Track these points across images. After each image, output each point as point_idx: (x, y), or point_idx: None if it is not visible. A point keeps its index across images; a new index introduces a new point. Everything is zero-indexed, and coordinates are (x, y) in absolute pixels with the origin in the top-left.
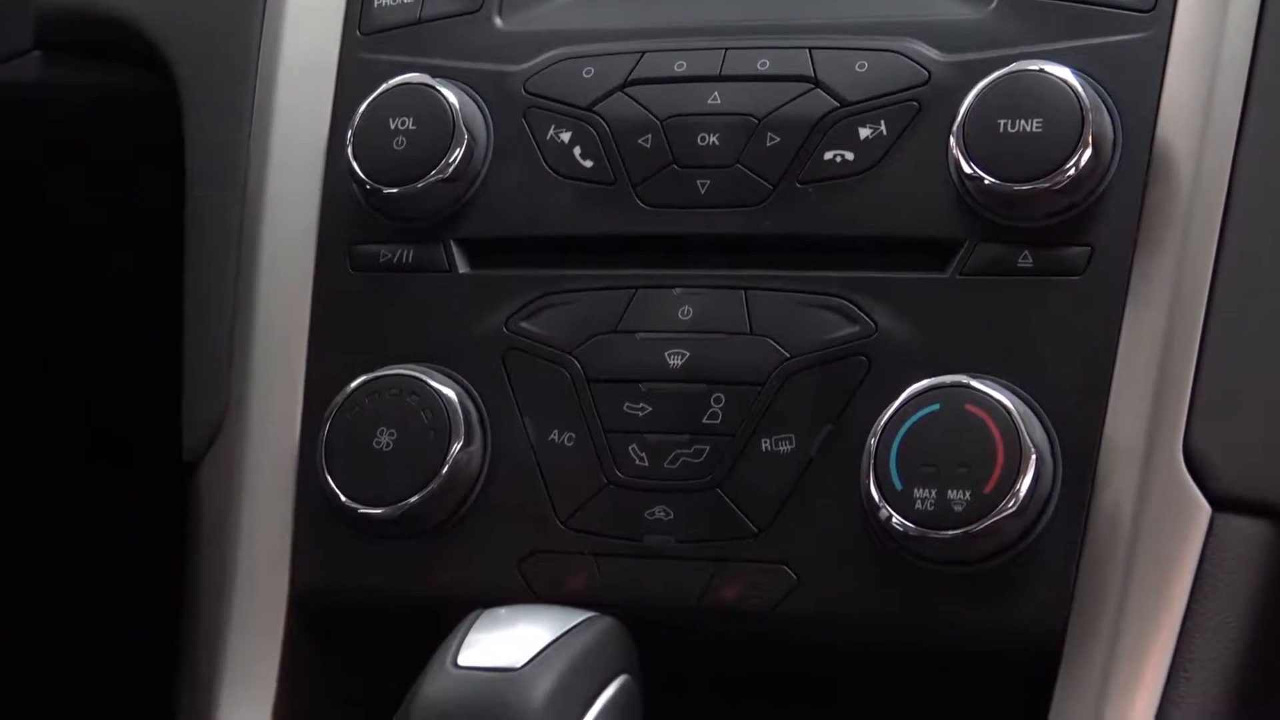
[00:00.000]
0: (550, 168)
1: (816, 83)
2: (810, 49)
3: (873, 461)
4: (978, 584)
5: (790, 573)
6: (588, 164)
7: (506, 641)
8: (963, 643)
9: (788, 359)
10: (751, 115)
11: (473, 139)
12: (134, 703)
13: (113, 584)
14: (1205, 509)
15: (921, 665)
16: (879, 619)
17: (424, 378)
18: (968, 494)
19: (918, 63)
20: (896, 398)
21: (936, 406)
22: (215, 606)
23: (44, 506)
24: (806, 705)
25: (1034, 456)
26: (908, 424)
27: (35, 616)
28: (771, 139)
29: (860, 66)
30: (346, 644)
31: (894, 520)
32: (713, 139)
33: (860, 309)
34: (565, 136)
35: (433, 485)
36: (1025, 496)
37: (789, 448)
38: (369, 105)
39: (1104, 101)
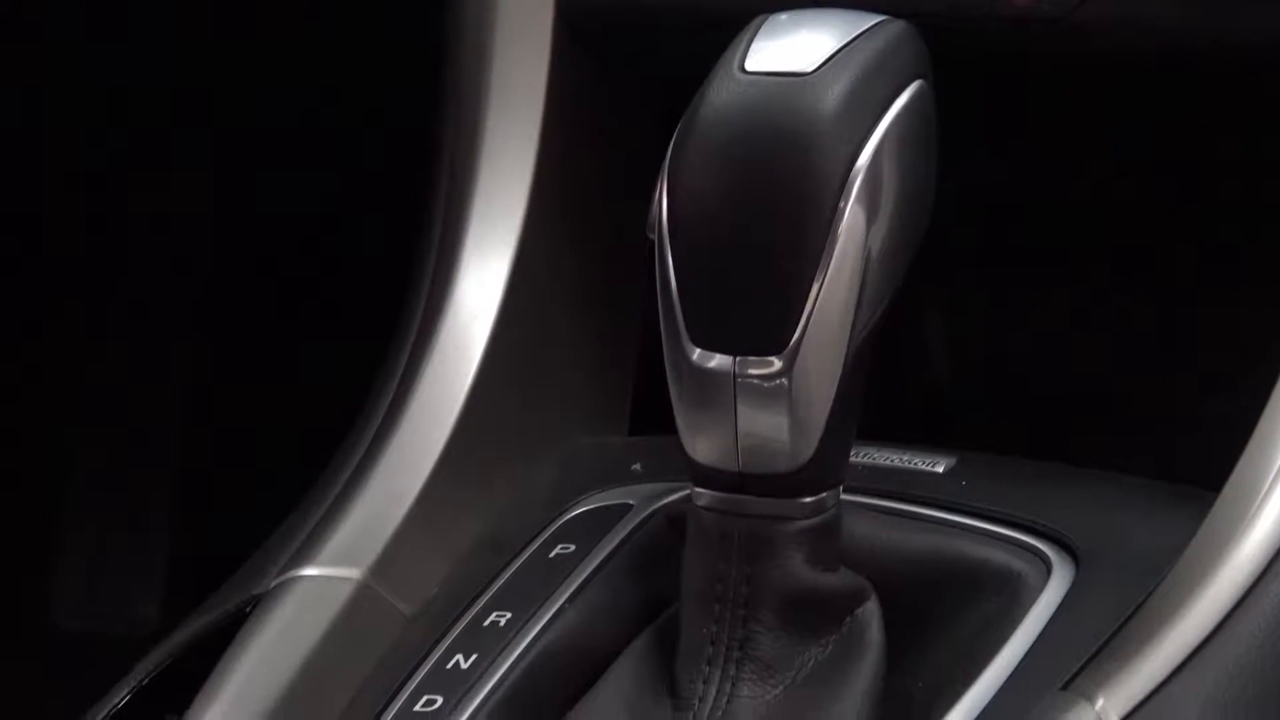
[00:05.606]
0: None
1: None
2: None
3: None
4: None
5: None
6: None
7: (795, 46)
8: (1262, 60)
9: None
10: None
11: None
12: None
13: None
14: None
15: (1218, 83)
16: (1179, 25)
17: None
18: None
19: None
20: None
21: None
22: (479, 26)
23: None
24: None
25: None
26: None
27: None
28: None
29: None
30: (616, 58)
31: None
32: None
33: None
34: None
35: None
36: None
37: None
38: None
39: None
